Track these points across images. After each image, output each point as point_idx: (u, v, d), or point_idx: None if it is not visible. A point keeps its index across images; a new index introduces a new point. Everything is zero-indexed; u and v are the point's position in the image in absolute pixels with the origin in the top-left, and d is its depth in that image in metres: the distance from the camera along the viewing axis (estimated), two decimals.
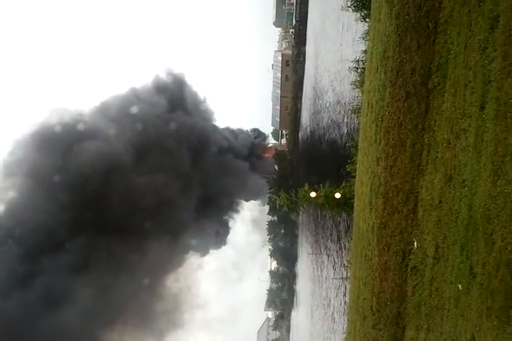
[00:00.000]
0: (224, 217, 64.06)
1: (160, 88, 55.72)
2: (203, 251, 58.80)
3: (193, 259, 56.54)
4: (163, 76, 58.02)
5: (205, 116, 63.04)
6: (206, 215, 56.61)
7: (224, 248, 63.67)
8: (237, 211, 67.31)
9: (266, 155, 73.29)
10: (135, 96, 52.99)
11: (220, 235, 60.69)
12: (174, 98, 55.86)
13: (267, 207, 65.77)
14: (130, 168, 45.24)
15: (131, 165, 45.47)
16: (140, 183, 44.22)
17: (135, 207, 44.08)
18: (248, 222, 73.45)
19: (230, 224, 66.16)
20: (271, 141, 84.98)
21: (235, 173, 60.50)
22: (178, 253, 51.81)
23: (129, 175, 44.42)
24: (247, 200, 69.61)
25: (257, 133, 77.53)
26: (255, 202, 71.32)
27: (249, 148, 70.21)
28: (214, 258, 63.77)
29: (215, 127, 65.80)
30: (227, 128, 71.25)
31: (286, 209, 23.38)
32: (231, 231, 66.11)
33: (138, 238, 44.18)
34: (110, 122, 47.98)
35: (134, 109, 49.52)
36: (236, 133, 71.62)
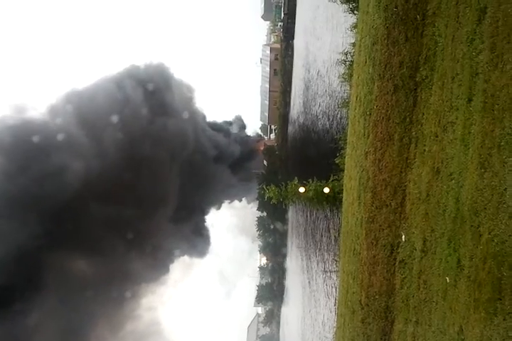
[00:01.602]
0: (205, 218, 63.46)
1: (144, 82, 51.39)
2: (190, 254, 58.15)
3: (179, 267, 56.11)
4: (148, 69, 54.51)
5: (195, 116, 61.01)
6: (186, 220, 55.02)
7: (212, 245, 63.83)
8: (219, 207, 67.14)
9: (258, 149, 73.55)
10: (117, 91, 48.18)
11: (202, 236, 60.04)
12: (161, 96, 52.34)
13: (254, 210, 66.16)
14: (101, 193, 40.77)
15: (105, 186, 40.96)
16: (114, 215, 41.10)
17: (111, 231, 41.53)
18: (235, 221, 73.59)
19: (218, 225, 66.08)
20: (252, 132, 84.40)
21: (219, 179, 59.58)
22: (161, 266, 50.53)
23: (103, 205, 40.46)
24: (231, 200, 69.67)
25: (241, 125, 77.12)
26: (242, 203, 71.54)
27: (240, 147, 69.56)
28: (204, 262, 63.71)
29: (204, 129, 64.31)
30: (216, 125, 70.39)
31: (275, 201, 23.32)
32: (218, 235, 66.13)
33: (117, 256, 42.01)
34: (82, 125, 42.70)
35: (110, 107, 44.19)
36: (226, 131, 70.82)
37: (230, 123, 75.82)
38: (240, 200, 72.55)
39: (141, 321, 46.73)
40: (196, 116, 61.84)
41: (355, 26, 17.23)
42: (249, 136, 78.68)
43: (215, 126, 69.17)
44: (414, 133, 9.65)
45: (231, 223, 72.93)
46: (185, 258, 57.66)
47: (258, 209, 63.69)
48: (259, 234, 68.62)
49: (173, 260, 54.56)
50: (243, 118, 79.71)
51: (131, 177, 42.88)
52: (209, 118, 70.75)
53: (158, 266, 49.63)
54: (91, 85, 49.10)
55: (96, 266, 42.40)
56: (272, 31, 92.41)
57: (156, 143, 47.10)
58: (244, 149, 70.38)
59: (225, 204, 69.84)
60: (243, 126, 77.47)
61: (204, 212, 63.12)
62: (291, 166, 54.40)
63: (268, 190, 23.28)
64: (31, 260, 36.86)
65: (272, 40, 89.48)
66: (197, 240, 57.60)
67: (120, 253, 42.44)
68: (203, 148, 58.76)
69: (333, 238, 27.56)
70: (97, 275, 41.60)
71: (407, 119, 9.95)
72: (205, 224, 63.47)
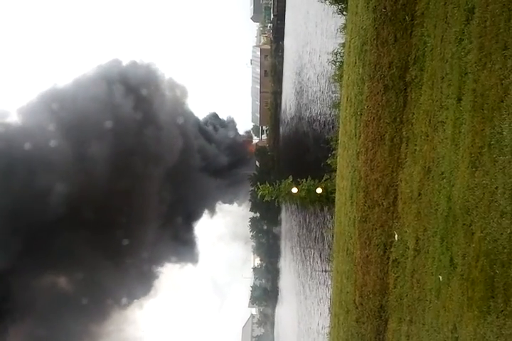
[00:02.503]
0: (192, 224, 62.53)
1: (131, 85, 47.05)
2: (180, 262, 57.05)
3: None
4: (136, 69, 50.46)
5: (188, 120, 59.44)
6: (174, 229, 53.66)
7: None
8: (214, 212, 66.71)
9: (249, 149, 73.64)
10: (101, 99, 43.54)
11: (191, 244, 59.17)
12: (150, 100, 49.01)
13: (245, 212, 65.94)
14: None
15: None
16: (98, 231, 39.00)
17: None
18: (227, 225, 73.13)
19: (208, 233, 65.45)
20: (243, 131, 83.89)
21: (209, 185, 58.68)
22: (148, 280, 49.17)
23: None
24: (223, 203, 69.38)
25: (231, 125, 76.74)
26: (233, 206, 71.27)
27: (230, 149, 68.97)
28: (195, 270, 62.95)
29: (197, 135, 63.11)
30: (208, 132, 69.44)
31: (268, 199, 23.28)
32: (209, 243, 65.55)
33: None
34: (61, 131, 38.47)
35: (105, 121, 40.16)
36: (216, 139, 69.91)
37: (223, 124, 75.56)
38: (231, 203, 72.48)
39: (126, 335, 45.98)
40: (188, 121, 60.83)
41: (344, 27, 17.30)
42: (240, 135, 78.58)
43: (206, 134, 68.54)
44: (404, 132, 9.70)
45: (222, 229, 72.42)
46: (175, 269, 56.88)
47: (251, 209, 63.67)
48: (252, 235, 68.59)
49: (163, 265, 53.61)
50: (235, 118, 79.67)
51: (116, 189, 40.66)
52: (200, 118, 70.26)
53: (145, 280, 48.22)
54: (71, 84, 45.75)
55: (79, 282, 40.54)
56: (262, 32, 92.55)
57: (143, 152, 44.66)
58: (234, 152, 70.18)
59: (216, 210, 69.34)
60: (234, 128, 77.48)
61: (193, 219, 62.35)
62: (284, 167, 54.47)
63: (261, 187, 23.27)
64: (10, 278, 35.32)
65: (262, 41, 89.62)
66: (186, 248, 56.72)
67: (105, 269, 40.65)
68: (193, 154, 57.79)
69: (326, 238, 27.62)
70: (80, 291, 39.77)
71: (398, 119, 10.00)
72: (194, 231, 62.84)
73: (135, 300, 47.68)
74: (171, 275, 55.23)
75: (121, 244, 41.72)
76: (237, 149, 72.06)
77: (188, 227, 60.67)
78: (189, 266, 58.82)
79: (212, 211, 67.49)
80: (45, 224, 36.42)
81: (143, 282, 47.68)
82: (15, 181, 34.60)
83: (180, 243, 55.70)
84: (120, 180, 41.03)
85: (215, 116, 76.92)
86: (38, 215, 35.62)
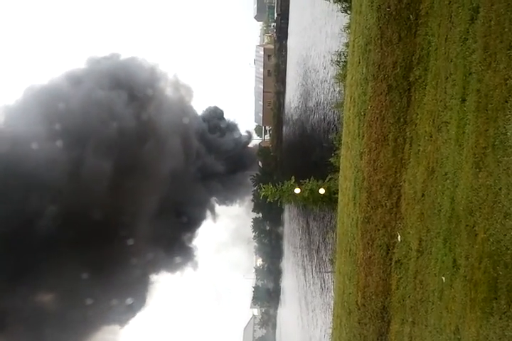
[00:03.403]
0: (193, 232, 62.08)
1: (133, 88, 45.57)
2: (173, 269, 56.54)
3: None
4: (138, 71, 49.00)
5: (192, 123, 58.85)
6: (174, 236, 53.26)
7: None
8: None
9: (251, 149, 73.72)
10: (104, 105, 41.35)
11: (188, 249, 58.85)
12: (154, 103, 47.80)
13: (246, 213, 65.89)
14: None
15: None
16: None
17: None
18: (228, 227, 72.97)
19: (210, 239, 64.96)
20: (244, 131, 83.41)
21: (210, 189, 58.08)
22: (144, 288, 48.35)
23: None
24: (224, 204, 69.33)
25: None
26: (233, 207, 71.28)
27: (233, 152, 68.94)
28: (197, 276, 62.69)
29: (200, 138, 62.77)
30: (210, 140, 69.09)
31: (271, 200, 23.21)
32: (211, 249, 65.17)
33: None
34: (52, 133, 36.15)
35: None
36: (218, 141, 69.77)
37: (225, 123, 75.51)
38: (233, 204, 72.49)
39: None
40: (192, 121, 60.68)
41: (348, 26, 17.24)
42: (241, 135, 78.62)
43: (208, 134, 68.47)
44: (408, 133, 9.65)
45: (224, 230, 72.28)
46: (176, 273, 56.59)
47: (253, 210, 63.59)
48: (254, 236, 68.53)
49: (160, 272, 53.25)
50: (237, 118, 79.68)
51: (113, 192, 39.33)
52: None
53: (142, 288, 47.47)
54: (64, 78, 44.06)
55: (71, 299, 39.09)
56: (265, 32, 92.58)
57: (145, 154, 43.14)
58: (236, 152, 70.17)
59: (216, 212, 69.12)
60: (236, 128, 77.46)
61: (195, 221, 62.12)
62: (287, 167, 54.43)
63: (264, 188, 23.21)
64: None
65: (265, 40, 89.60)
66: (187, 251, 56.53)
67: (101, 284, 39.46)
68: (194, 155, 57.49)
69: (328, 239, 27.56)
70: (72, 307, 38.55)
71: (401, 119, 9.95)
72: (196, 233, 62.70)
73: (135, 313, 47.31)
74: (170, 279, 55.21)
75: (119, 254, 40.96)
76: (239, 149, 72.13)
77: (190, 229, 60.66)
78: (190, 268, 58.77)
79: (213, 213, 67.51)
80: (36, 240, 35.28)
81: (139, 295, 47.00)
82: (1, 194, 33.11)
83: (182, 246, 55.65)
84: (117, 188, 39.88)
85: (220, 115, 76.67)
86: (27, 232, 34.38)
